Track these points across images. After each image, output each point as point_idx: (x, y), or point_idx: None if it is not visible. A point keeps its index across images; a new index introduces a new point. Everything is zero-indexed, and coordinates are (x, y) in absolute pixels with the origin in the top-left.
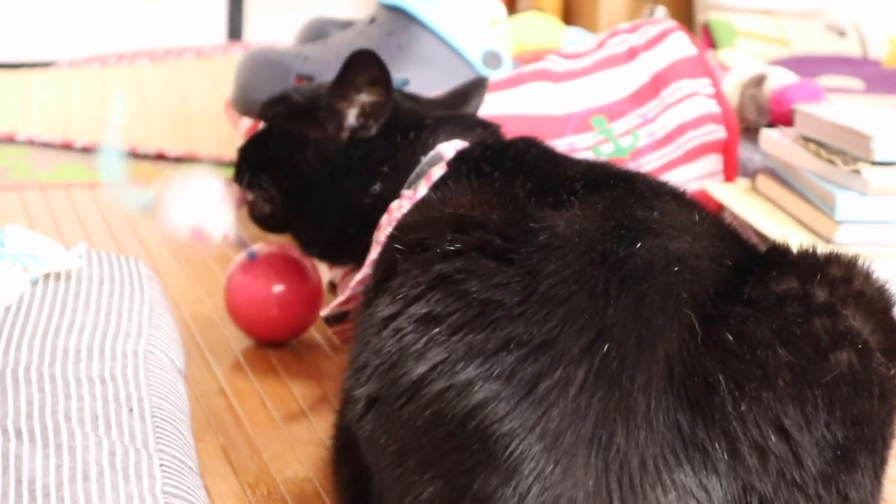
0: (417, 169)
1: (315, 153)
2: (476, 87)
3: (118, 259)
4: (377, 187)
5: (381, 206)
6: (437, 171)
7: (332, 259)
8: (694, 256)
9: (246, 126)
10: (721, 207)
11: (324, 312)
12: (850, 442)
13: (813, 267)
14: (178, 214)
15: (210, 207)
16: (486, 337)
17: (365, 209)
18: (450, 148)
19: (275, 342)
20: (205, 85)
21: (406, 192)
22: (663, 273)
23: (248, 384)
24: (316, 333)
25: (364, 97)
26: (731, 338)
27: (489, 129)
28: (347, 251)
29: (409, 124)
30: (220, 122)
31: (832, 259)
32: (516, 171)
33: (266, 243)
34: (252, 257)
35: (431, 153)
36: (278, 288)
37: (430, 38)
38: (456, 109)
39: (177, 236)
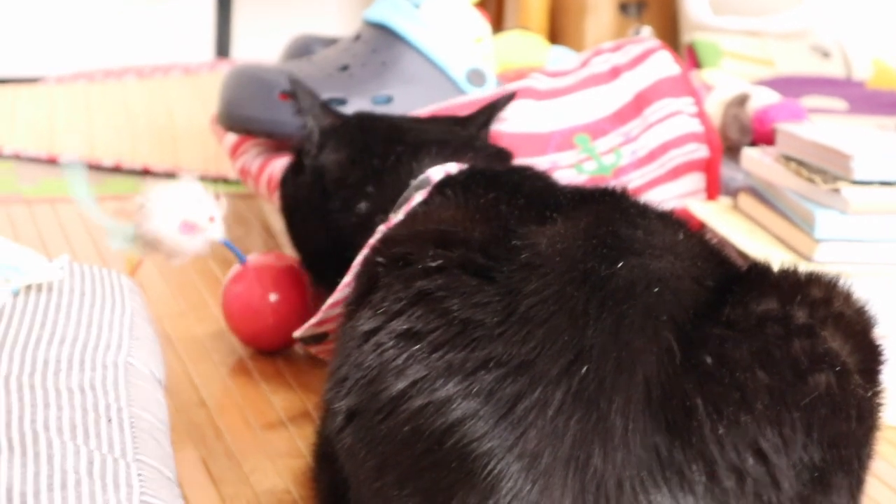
0: (406, 192)
1: (303, 174)
2: (504, 103)
3: (100, 272)
4: (362, 206)
5: (370, 226)
6: (419, 196)
7: (324, 280)
8: (675, 276)
9: (231, 142)
10: (702, 226)
11: (297, 333)
12: (827, 464)
13: (793, 287)
14: (165, 210)
15: (194, 199)
16: (465, 356)
17: (352, 229)
18: (439, 172)
19: (271, 350)
20: (192, 101)
21: (393, 216)
22: (644, 294)
23: (229, 397)
24: (298, 349)
25: (309, 121)
26: (709, 360)
27: (483, 153)
28: (338, 273)
29: (387, 147)
30: (207, 138)
31: (812, 280)
32: (500, 189)
33: (261, 252)
34: (243, 261)
35: (421, 177)
36: (274, 296)
37: (415, 55)
38: (469, 128)
39: (165, 236)
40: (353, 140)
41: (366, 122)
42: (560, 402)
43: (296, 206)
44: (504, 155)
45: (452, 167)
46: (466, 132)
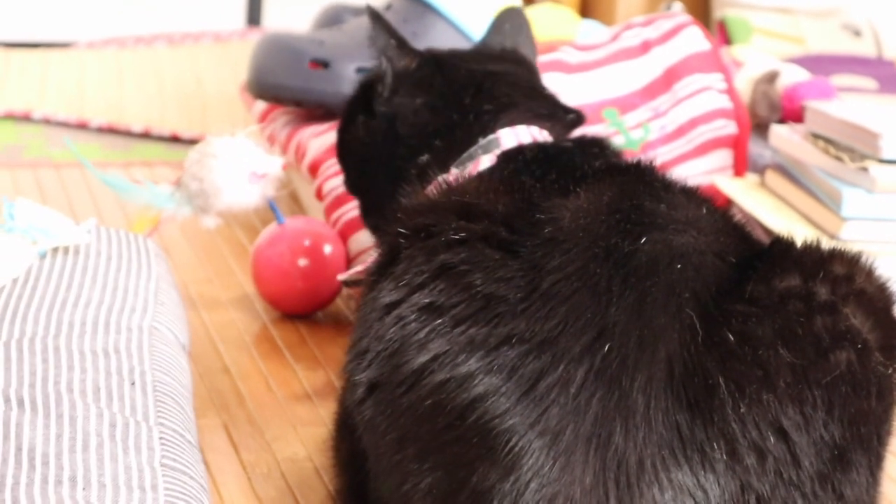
0: (472, 149)
1: (370, 115)
2: (509, 20)
3: (127, 236)
4: (425, 158)
5: (427, 179)
6: (486, 160)
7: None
8: (698, 252)
9: (260, 109)
10: (729, 202)
11: (342, 276)
12: (847, 441)
13: (816, 263)
14: (233, 160)
15: (258, 151)
16: (488, 331)
17: (411, 180)
18: (511, 137)
19: (297, 314)
20: (222, 69)
21: (454, 171)
22: (666, 270)
23: (253, 364)
24: (321, 317)
25: (383, 61)
26: (732, 338)
27: (561, 121)
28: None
29: (471, 101)
30: (236, 106)
31: (835, 255)
32: (550, 165)
33: (293, 217)
34: (281, 222)
35: (490, 137)
36: (305, 261)
37: (445, 26)
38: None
39: (230, 186)
40: (431, 86)
41: (448, 66)
42: (582, 379)
43: (357, 147)
44: (579, 120)
45: (525, 135)
46: (549, 91)
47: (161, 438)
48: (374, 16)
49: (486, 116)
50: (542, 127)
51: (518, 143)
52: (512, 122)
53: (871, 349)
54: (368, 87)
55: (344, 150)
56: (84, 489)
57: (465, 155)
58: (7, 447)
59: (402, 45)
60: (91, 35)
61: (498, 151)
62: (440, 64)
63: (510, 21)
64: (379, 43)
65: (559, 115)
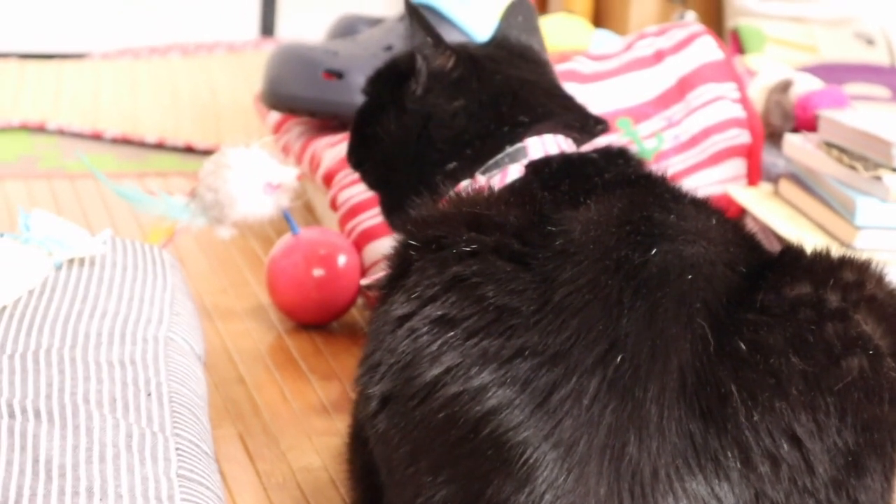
0: (498, 157)
1: (401, 111)
2: (521, 12)
3: (142, 247)
4: (453, 165)
5: (450, 185)
6: (514, 171)
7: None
8: (709, 263)
9: (274, 120)
10: (743, 211)
11: (365, 281)
12: (861, 447)
13: (826, 271)
14: (248, 171)
15: (273, 161)
16: (501, 344)
17: (435, 185)
18: (538, 146)
19: (312, 324)
20: (235, 79)
21: (479, 177)
22: (677, 281)
23: (268, 374)
24: (336, 327)
25: (418, 60)
26: (743, 346)
27: (589, 131)
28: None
29: (509, 111)
30: (250, 117)
31: (845, 262)
32: (538, 171)
33: (307, 227)
34: (296, 232)
35: (518, 146)
36: (319, 271)
37: (460, 36)
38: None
39: (245, 197)
40: (469, 90)
41: (485, 71)
42: (595, 391)
43: (384, 139)
44: (606, 129)
45: (551, 145)
46: (577, 100)
47: (177, 449)
48: (412, 11)
49: (521, 127)
50: (570, 137)
51: (545, 153)
52: (541, 132)
53: (882, 355)
54: (398, 78)
55: (367, 139)
56: (101, 500)
57: (491, 162)
58: (24, 458)
59: (438, 42)
60: (105, 46)
61: (525, 161)
62: (477, 67)
63: (521, 13)
64: (416, 39)
65: (588, 126)
